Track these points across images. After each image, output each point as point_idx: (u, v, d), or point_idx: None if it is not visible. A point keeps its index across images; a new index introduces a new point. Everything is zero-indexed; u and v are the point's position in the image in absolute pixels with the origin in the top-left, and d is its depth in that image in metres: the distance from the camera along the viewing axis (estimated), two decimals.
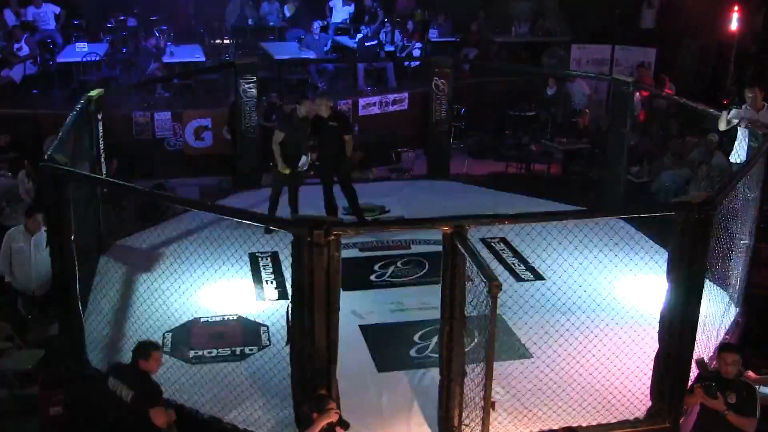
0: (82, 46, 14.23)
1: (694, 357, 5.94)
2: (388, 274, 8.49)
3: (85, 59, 13.86)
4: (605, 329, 6.63)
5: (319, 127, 9.37)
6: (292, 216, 8.96)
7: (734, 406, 5.55)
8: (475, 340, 5.47)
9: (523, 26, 17.47)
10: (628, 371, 6.47)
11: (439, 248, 5.49)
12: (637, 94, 12.06)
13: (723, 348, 5.88)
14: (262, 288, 8.11)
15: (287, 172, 9.25)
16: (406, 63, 15.63)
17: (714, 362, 6.04)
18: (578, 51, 15.82)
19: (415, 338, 7.15)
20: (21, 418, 7.10)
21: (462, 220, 5.41)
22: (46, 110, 12.93)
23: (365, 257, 8.82)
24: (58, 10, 15.11)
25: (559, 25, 17.17)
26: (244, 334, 7.26)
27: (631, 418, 6.13)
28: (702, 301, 5.98)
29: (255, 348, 7.04)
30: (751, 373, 6.05)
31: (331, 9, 16.61)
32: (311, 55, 14.77)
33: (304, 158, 9.36)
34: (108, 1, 15.82)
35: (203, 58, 14.53)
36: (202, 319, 7.46)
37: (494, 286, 4.82)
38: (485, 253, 8.45)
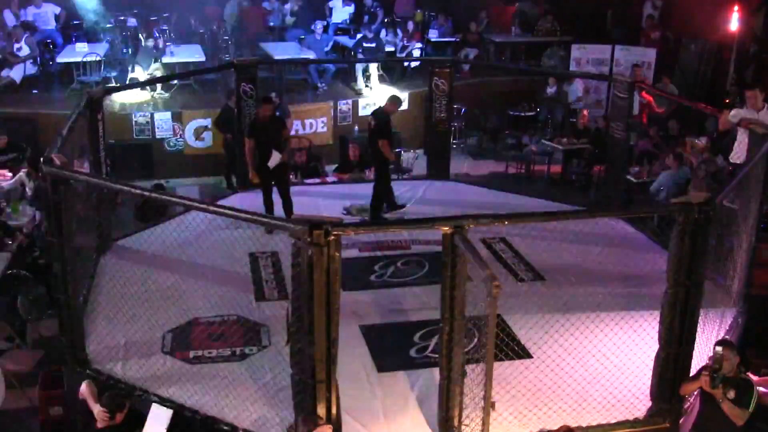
0: (82, 46, 14.24)
1: (713, 350, 5.93)
2: (388, 274, 8.48)
3: (85, 59, 13.87)
4: (605, 329, 6.62)
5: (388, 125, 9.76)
6: (287, 216, 8.95)
7: (732, 400, 5.62)
8: (475, 340, 5.47)
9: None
10: (628, 371, 6.48)
11: (439, 248, 5.49)
12: (638, 94, 12.07)
13: (716, 343, 5.92)
14: (262, 288, 8.11)
15: (256, 181, 9.26)
16: (406, 63, 15.64)
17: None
18: (578, 51, 15.83)
19: (415, 338, 7.14)
20: (21, 418, 7.11)
21: (462, 220, 5.41)
22: (46, 110, 12.95)
23: (365, 257, 8.81)
24: (58, 10, 15.13)
25: (560, 25, 17.21)
26: (244, 334, 7.25)
27: (631, 418, 6.14)
28: (702, 301, 5.99)
29: (255, 348, 7.03)
30: (752, 376, 6.06)
31: (331, 9, 16.63)
32: (312, 55, 14.78)
33: (277, 156, 9.27)
34: (108, 1, 15.82)
35: (203, 58, 14.55)
36: (202, 319, 7.46)
37: (494, 286, 4.82)
38: (485, 253, 8.44)
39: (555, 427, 5.74)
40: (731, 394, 5.62)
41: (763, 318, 7.81)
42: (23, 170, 10.51)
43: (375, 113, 10.12)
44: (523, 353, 6.83)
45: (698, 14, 15.46)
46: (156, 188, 10.24)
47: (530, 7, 17.80)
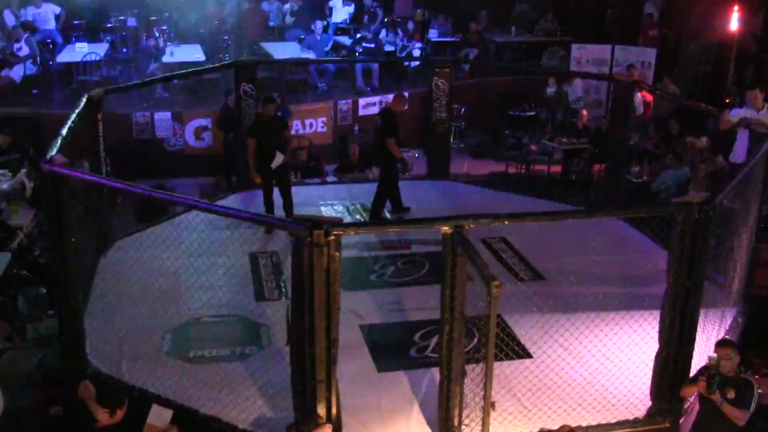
0: (82, 46, 14.24)
1: (708, 355, 5.94)
2: (388, 274, 8.48)
3: (85, 59, 13.86)
4: (605, 329, 6.62)
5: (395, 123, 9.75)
6: (287, 216, 8.95)
7: (732, 400, 5.63)
8: (475, 340, 5.47)
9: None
10: (628, 371, 6.47)
11: (439, 248, 5.49)
12: (638, 94, 12.07)
13: (717, 344, 5.93)
14: (262, 288, 8.11)
15: (258, 181, 9.27)
16: (406, 63, 15.64)
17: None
18: (578, 51, 15.83)
19: (415, 338, 7.14)
20: (21, 417, 7.10)
21: (462, 220, 5.41)
22: (46, 110, 12.95)
23: (365, 257, 8.81)
24: (58, 10, 15.13)
25: (560, 25, 17.22)
26: (244, 334, 7.26)
27: (631, 418, 6.14)
28: (702, 301, 5.98)
29: (255, 348, 7.03)
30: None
31: (331, 9, 16.64)
32: (312, 55, 14.78)
33: (280, 156, 9.25)
34: (108, 1, 15.84)
35: (203, 58, 14.55)
36: (202, 319, 7.46)
37: (494, 286, 4.81)
38: (485, 253, 8.44)
39: (555, 427, 5.74)
40: (731, 395, 5.62)
41: (763, 318, 7.81)
42: (23, 170, 10.51)
43: (382, 112, 10.11)
44: (523, 353, 6.83)
45: (698, 14, 15.46)
46: (156, 188, 10.21)
47: (530, 7, 17.82)
